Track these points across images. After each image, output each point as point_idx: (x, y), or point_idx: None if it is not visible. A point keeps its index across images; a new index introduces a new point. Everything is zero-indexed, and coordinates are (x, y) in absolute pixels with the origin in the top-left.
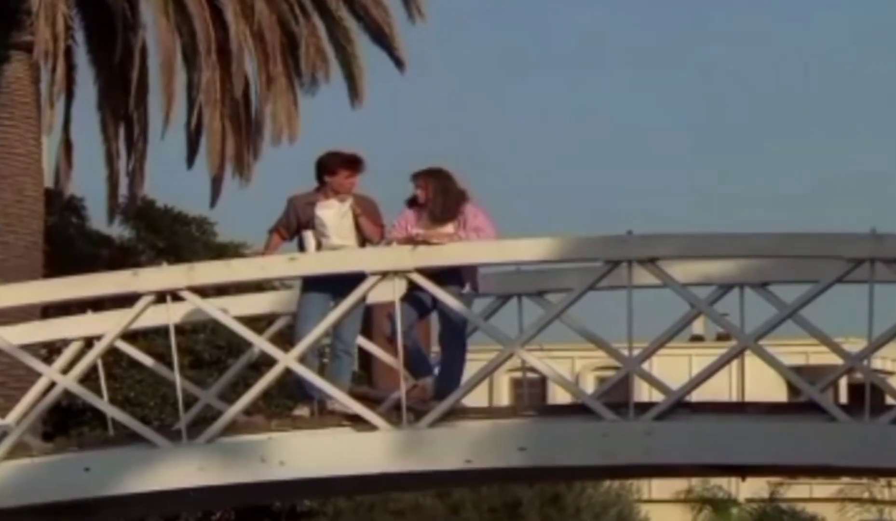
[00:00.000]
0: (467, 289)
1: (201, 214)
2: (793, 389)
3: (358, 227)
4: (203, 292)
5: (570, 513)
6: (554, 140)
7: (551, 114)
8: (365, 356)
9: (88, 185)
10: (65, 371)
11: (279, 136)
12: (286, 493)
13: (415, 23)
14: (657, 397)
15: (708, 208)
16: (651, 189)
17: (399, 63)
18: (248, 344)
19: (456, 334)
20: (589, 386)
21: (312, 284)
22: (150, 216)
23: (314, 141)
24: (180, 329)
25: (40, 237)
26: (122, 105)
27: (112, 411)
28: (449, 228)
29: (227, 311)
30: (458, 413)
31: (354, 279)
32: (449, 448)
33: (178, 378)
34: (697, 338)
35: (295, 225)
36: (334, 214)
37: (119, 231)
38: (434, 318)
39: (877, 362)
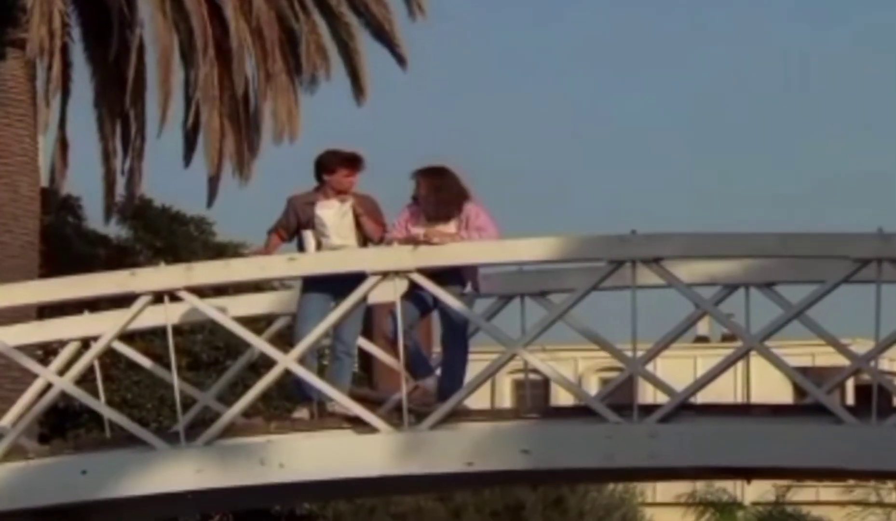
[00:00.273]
0: (468, 289)
1: (199, 214)
2: (799, 390)
3: (359, 226)
4: (201, 292)
5: (574, 516)
6: (554, 140)
7: (551, 113)
8: (365, 358)
9: (85, 184)
10: (61, 373)
11: (280, 134)
12: (285, 496)
13: (415, 20)
14: (661, 398)
15: (708, 208)
16: (651, 189)
17: (401, 60)
18: (247, 345)
19: (458, 335)
20: (592, 388)
21: (312, 284)
22: (148, 216)
23: (315, 139)
24: (178, 330)
25: (36, 237)
26: (118, 103)
27: (109, 413)
28: (451, 227)
29: (226, 311)
30: (459, 415)
31: (355, 279)
32: (450, 451)
33: (175, 380)
34: (702, 339)
35: (294, 225)
36: (334, 214)
37: (116, 231)
38: (436, 318)
39: (884, 364)
